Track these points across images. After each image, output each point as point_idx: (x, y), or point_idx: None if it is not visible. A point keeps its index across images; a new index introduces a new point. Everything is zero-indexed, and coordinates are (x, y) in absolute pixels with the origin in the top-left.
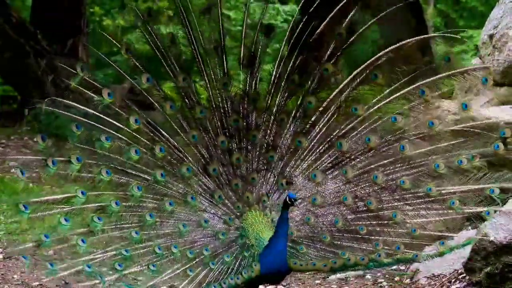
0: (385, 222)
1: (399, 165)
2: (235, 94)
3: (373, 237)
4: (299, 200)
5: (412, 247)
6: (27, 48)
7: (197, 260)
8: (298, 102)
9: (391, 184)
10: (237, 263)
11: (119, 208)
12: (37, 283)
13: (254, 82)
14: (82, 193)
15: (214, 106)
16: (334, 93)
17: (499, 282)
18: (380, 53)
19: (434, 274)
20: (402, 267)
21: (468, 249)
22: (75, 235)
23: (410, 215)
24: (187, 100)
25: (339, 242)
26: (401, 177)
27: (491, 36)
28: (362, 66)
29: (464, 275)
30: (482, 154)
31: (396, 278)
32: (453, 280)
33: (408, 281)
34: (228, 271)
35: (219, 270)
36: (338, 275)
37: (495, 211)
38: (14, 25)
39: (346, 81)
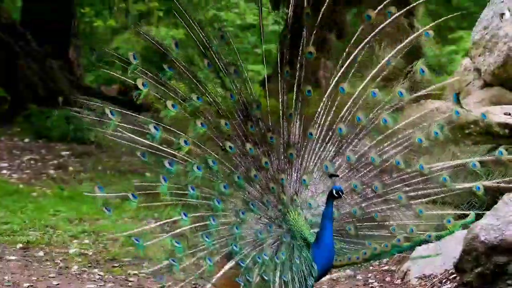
0: (393, 205)
1: (388, 142)
2: (238, 100)
3: (388, 223)
4: (346, 192)
5: (424, 228)
6: (17, 49)
7: (283, 265)
8: (295, 94)
9: (387, 166)
10: (304, 265)
11: (217, 223)
12: (27, 284)
13: (245, 84)
14: (185, 214)
15: (229, 116)
16: (336, 78)
17: (490, 282)
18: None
19: (425, 275)
20: (393, 268)
21: (459, 249)
22: (201, 255)
23: (412, 196)
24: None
25: (362, 232)
26: (394, 156)
27: (481, 37)
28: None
29: (455, 275)
30: (448, 121)
31: (387, 279)
32: (444, 281)
33: (399, 281)
34: (303, 274)
35: (298, 273)
36: (329, 276)
37: (483, 186)
38: (4, 26)
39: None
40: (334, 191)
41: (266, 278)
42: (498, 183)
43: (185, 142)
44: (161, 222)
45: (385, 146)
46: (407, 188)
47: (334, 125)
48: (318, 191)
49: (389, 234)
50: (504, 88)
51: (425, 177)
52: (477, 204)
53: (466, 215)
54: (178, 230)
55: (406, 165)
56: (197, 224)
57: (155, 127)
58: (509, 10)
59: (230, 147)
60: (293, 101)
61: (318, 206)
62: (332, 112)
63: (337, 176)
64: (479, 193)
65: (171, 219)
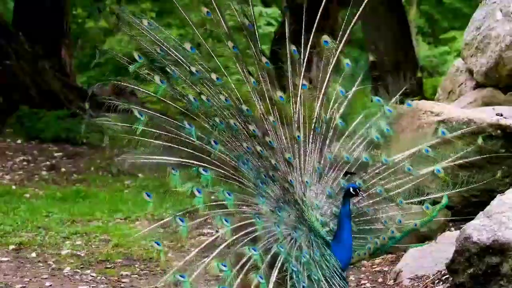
0: (377, 199)
1: (352, 141)
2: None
3: (379, 216)
4: (363, 188)
5: (410, 217)
6: (9, 50)
7: (320, 262)
8: (268, 100)
9: (360, 163)
10: (333, 261)
11: (262, 222)
12: (20, 285)
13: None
14: (226, 220)
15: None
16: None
17: (483, 283)
18: None
19: (418, 275)
20: (386, 268)
21: (451, 250)
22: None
23: (387, 188)
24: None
25: (361, 227)
26: (361, 153)
27: (473, 37)
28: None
29: (448, 276)
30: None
31: (380, 279)
32: (436, 281)
33: (391, 282)
34: (337, 269)
35: (333, 268)
36: None
37: (442, 168)
38: None
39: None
40: (351, 189)
41: (315, 277)
42: (452, 161)
43: (215, 142)
44: (201, 246)
45: (350, 145)
46: (382, 182)
47: (312, 124)
48: (318, 192)
49: (383, 227)
50: (496, 88)
51: (392, 169)
52: (445, 186)
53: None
54: (219, 248)
55: (373, 161)
56: (239, 235)
57: (189, 124)
58: (501, 11)
59: (247, 147)
60: (269, 107)
61: (323, 206)
62: (307, 111)
63: (354, 173)
64: (441, 175)
65: (211, 239)
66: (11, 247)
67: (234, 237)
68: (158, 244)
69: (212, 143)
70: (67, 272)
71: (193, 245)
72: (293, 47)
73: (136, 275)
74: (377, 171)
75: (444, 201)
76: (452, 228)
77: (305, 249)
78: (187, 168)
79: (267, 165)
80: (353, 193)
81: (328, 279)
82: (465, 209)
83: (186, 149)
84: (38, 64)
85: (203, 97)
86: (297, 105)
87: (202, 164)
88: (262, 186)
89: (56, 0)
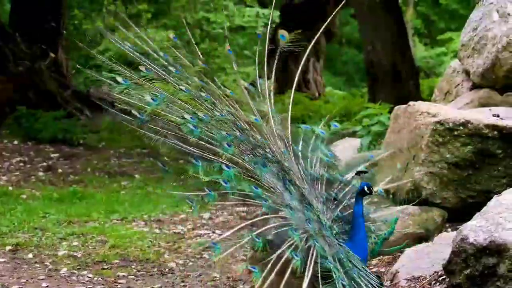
0: (350, 211)
1: (309, 161)
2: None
3: None
4: (375, 188)
5: (382, 228)
6: (6, 51)
7: (355, 263)
8: (244, 123)
9: (325, 179)
10: (359, 261)
11: (296, 217)
12: (17, 286)
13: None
14: (265, 201)
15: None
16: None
17: (479, 284)
18: None
19: (414, 276)
20: (383, 269)
21: (448, 251)
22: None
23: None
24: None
25: None
26: (319, 171)
27: (470, 38)
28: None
29: (444, 277)
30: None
31: None
32: (433, 282)
33: (388, 283)
34: (366, 270)
35: (364, 268)
36: None
37: (383, 189)
38: None
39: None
40: (365, 188)
41: (354, 274)
42: (386, 184)
43: (228, 144)
44: (240, 226)
45: (312, 164)
46: (348, 196)
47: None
48: (316, 199)
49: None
50: (493, 89)
51: (349, 186)
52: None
53: None
54: (259, 230)
55: (333, 178)
56: (271, 226)
57: (194, 126)
58: (497, 12)
59: (262, 153)
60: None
61: (324, 212)
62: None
63: (365, 172)
64: (383, 195)
65: (249, 222)
66: (8, 248)
67: (269, 226)
68: (191, 202)
69: (225, 145)
70: (63, 273)
71: (189, 245)
72: (247, 84)
73: (133, 276)
74: (340, 186)
75: (395, 216)
76: (449, 229)
77: (338, 247)
78: (209, 162)
79: (281, 169)
80: (368, 191)
81: (364, 277)
82: (462, 210)
83: (198, 150)
84: (35, 65)
85: (200, 114)
86: (271, 127)
87: (224, 162)
88: (286, 186)
89: (53, 1)
